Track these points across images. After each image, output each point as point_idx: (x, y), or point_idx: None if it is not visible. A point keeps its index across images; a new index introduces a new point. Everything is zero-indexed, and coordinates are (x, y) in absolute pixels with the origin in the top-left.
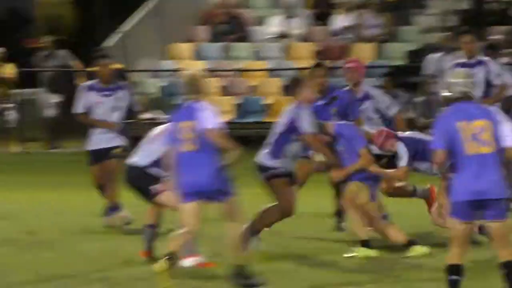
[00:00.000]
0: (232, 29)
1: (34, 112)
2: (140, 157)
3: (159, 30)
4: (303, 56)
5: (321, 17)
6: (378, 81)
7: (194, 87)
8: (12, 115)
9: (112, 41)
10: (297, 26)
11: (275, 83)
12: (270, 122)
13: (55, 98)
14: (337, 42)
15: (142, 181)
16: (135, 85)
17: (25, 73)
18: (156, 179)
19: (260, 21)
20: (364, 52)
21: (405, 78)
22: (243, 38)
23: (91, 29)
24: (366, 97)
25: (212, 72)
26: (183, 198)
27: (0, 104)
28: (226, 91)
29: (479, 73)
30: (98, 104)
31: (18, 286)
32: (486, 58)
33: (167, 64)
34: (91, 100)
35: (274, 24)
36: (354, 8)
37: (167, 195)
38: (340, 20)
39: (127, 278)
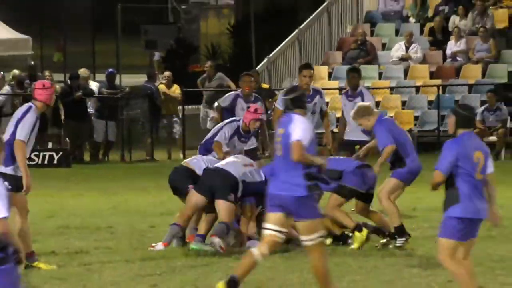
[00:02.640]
0: (361, 53)
1: (196, 125)
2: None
3: (300, 55)
4: (421, 76)
5: (436, 43)
6: (483, 97)
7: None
8: (177, 128)
9: (261, 65)
10: (416, 50)
11: (397, 99)
12: None
13: (214, 113)
14: (449, 63)
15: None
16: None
17: (189, 92)
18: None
19: (385, 47)
20: (473, 72)
21: (507, 94)
22: (371, 61)
23: (245, 56)
24: None
25: (344, 90)
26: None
27: (168, 118)
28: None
29: None
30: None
31: None
32: None
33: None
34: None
35: (397, 49)
36: (465, 35)
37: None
38: (452, 45)
39: None
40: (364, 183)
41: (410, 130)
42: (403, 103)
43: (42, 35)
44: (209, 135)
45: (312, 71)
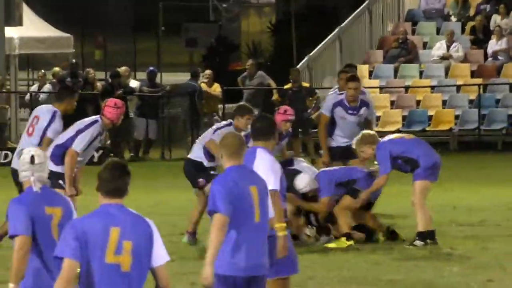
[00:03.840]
0: (402, 52)
1: None
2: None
3: (341, 54)
4: (462, 74)
5: (478, 42)
6: None
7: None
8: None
9: (302, 64)
10: (457, 49)
11: (438, 98)
12: (433, 131)
13: (255, 112)
14: (491, 62)
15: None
16: (320, 100)
17: (230, 91)
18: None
19: (426, 46)
20: None
21: None
22: (412, 60)
23: (286, 54)
24: None
25: (385, 88)
26: None
27: (209, 117)
28: (396, 104)
29: None
30: None
31: None
32: None
33: None
34: None
35: (438, 48)
36: (506, 34)
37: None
38: (493, 44)
39: None
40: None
41: (450, 129)
42: (444, 102)
43: (84, 34)
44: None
45: (358, 83)
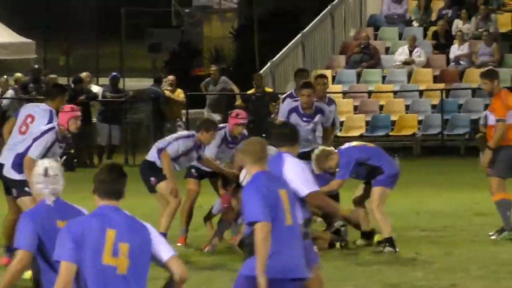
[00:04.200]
0: (365, 57)
1: None
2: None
3: (303, 59)
4: (425, 79)
5: (440, 47)
6: (487, 101)
7: None
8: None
9: (265, 69)
10: (419, 54)
11: (401, 103)
12: (396, 136)
13: (217, 117)
14: (453, 67)
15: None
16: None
17: (193, 96)
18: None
19: (388, 51)
20: (476, 76)
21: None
22: (374, 65)
23: (249, 59)
24: None
25: (348, 94)
26: None
27: (172, 122)
28: (359, 109)
29: None
30: None
31: None
32: None
33: None
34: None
35: (400, 53)
36: (468, 39)
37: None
38: (456, 49)
39: None
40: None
41: (413, 134)
42: (407, 107)
43: (46, 39)
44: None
45: (311, 90)
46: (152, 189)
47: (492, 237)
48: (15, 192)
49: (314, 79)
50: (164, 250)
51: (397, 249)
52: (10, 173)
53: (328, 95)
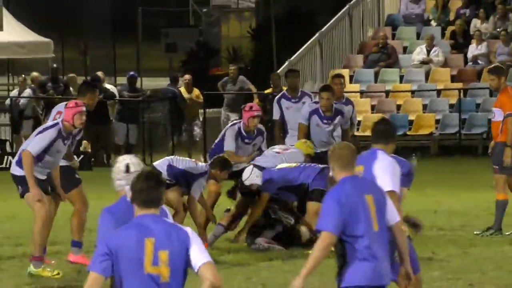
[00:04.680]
0: (382, 57)
1: (217, 128)
2: None
3: (321, 58)
4: (442, 79)
5: (458, 46)
6: None
7: None
8: (197, 131)
9: (282, 69)
10: (437, 54)
11: (418, 102)
12: (414, 135)
13: (235, 116)
14: (471, 67)
15: None
16: None
17: (210, 95)
18: None
19: (406, 50)
20: None
21: None
22: (392, 65)
23: (266, 59)
24: None
25: (365, 93)
26: None
27: (189, 121)
28: (376, 109)
29: None
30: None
31: None
32: None
33: None
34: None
35: (418, 53)
36: (486, 38)
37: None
38: (473, 49)
39: None
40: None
41: (431, 134)
42: (424, 107)
43: (64, 38)
44: (218, 139)
45: (330, 93)
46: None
47: (476, 234)
48: (20, 190)
49: (331, 78)
50: (198, 257)
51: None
52: (15, 169)
53: (345, 95)
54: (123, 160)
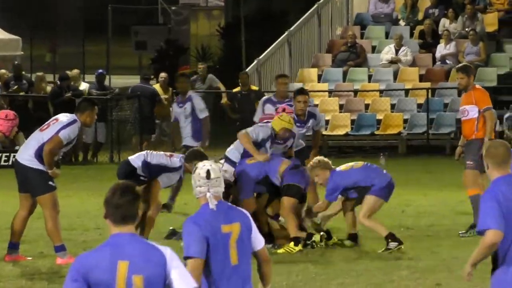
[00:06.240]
0: (351, 56)
1: None
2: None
3: (290, 57)
4: (410, 78)
5: (426, 46)
6: None
7: None
8: (166, 129)
9: (251, 67)
10: (406, 53)
11: (386, 102)
12: (382, 134)
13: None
14: (439, 66)
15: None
16: None
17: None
18: None
19: (375, 50)
20: None
21: (497, 97)
22: (360, 64)
23: (235, 57)
24: None
25: (334, 92)
26: None
27: (162, 120)
28: (344, 108)
29: None
30: None
31: None
32: None
33: (295, 86)
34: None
35: (387, 52)
36: (454, 38)
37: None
38: (442, 48)
39: None
40: (304, 181)
41: (399, 133)
42: (392, 106)
43: (33, 36)
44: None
45: (307, 97)
46: None
47: (462, 235)
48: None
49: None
50: (180, 284)
51: (402, 242)
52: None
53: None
54: (204, 166)
